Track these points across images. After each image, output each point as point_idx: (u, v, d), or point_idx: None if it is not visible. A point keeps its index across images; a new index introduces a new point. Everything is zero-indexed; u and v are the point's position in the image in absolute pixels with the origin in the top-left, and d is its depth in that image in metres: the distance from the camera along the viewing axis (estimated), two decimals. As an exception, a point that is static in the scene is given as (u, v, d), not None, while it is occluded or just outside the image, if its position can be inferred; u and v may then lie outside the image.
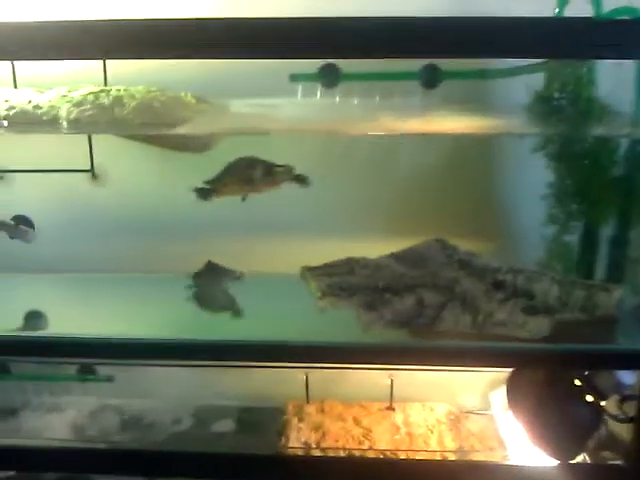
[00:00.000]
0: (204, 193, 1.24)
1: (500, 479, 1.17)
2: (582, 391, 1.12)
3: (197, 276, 1.36)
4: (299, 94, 1.27)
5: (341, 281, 1.13)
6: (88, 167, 1.37)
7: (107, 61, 1.28)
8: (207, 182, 1.24)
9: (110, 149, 1.34)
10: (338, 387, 1.50)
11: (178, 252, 1.39)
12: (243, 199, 1.23)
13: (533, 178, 1.27)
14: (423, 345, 1.09)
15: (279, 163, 1.21)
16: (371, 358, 1.13)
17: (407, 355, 1.09)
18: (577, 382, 1.13)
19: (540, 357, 1.08)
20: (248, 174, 1.20)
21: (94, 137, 1.33)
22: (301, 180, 1.21)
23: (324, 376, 1.47)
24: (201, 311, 1.32)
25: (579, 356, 1.07)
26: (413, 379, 1.45)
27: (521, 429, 1.19)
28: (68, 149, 1.36)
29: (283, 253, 1.42)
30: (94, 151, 1.35)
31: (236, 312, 1.29)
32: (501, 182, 1.38)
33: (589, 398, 1.11)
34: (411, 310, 1.09)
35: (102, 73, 1.28)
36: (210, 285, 1.36)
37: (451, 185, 1.35)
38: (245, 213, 1.30)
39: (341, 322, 1.14)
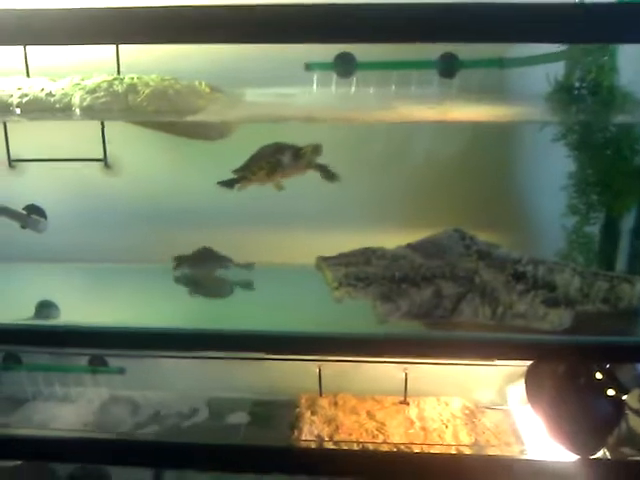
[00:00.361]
0: (229, 183, 1.23)
1: (518, 474, 1.15)
2: (603, 384, 1.10)
3: (188, 260, 1.36)
4: (314, 84, 1.25)
5: (357, 271, 1.12)
6: (101, 156, 1.36)
7: (120, 51, 1.27)
8: (235, 171, 1.23)
9: (123, 138, 1.33)
10: (351, 381, 1.48)
11: (191, 241, 1.37)
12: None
13: (553, 168, 1.25)
14: (440, 337, 1.07)
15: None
16: (386, 350, 1.11)
17: (423, 347, 1.07)
18: (598, 375, 1.11)
19: (561, 349, 1.05)
20: (276, 159, 1.19)
21: (107, 126, 1.32)
22: (328, 174, 1.21)
23: (337, 369, 1.45)
24: (213, 301, 1.31)
25: (600, 349, 1.05)
26: (427, 373, 1.43)
27: (540, 423, 1.17)
28: (81, 138, 1.35)
29: (299, 244, 1.41)
30: (107, 140, 1.34)
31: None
32: (520, 172, 1.36)
33: (610, 392, 1.09)
34: (429, 301, 1.07)
35: (115, 64, 1.27)
36: (202, 270, 1.36)
37: (469, 175, 1.32)
38: (260, 203, 1.29)
39: (356, 313, 1.12)
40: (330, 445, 1.29)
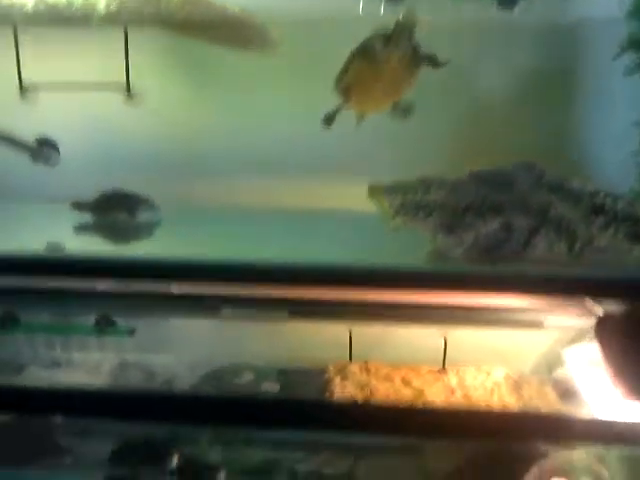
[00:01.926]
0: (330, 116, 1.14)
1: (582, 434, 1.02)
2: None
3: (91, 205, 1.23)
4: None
5: (417, 199, 1.00)
6: (123, 84, 1.23)
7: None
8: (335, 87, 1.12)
9: (150, 62, 1.23)
10: (383, 348, 1.36)
11: (220, 185, 1.26)
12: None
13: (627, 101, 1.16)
14: (508, 272, 0.95)
15: None
16: (440, 284, 0.98)
17: (490, 282, 0.95)
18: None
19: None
20: (369, 49, 1.05)
21: (132, 50, 1.20)
22: (433, 61, 1.09)
23: (368, 335, 1.33)
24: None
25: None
26: (467, 340, 1.31)
27: (610, 384, 1.05)
28: (101, 63, 1.23)
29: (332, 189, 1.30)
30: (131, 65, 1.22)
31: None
32: (590, 106, 1.26)
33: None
34: (497, 235, 0.96)
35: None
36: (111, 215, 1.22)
37: (532, 107, 1.23)
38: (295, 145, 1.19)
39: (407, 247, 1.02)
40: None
